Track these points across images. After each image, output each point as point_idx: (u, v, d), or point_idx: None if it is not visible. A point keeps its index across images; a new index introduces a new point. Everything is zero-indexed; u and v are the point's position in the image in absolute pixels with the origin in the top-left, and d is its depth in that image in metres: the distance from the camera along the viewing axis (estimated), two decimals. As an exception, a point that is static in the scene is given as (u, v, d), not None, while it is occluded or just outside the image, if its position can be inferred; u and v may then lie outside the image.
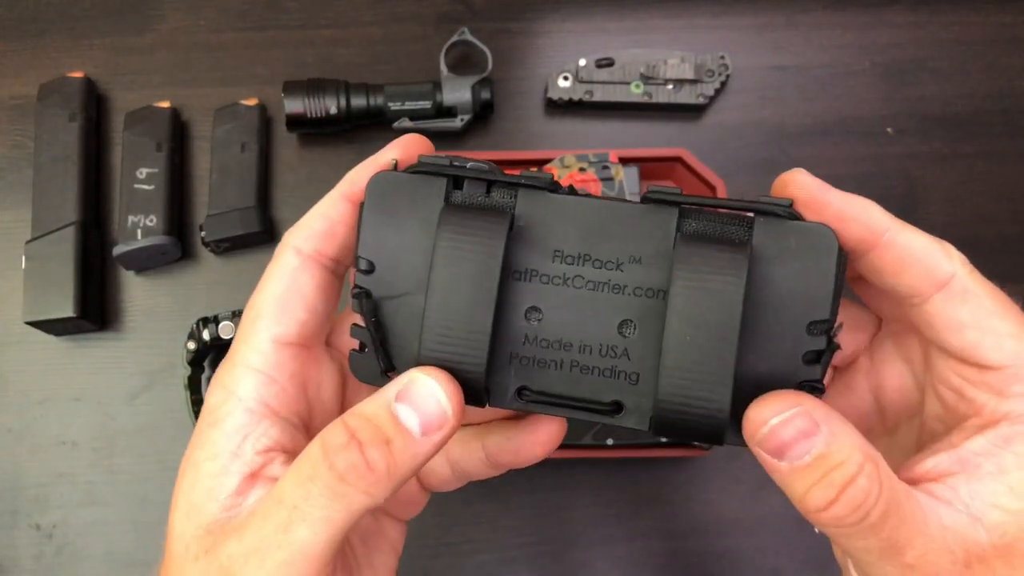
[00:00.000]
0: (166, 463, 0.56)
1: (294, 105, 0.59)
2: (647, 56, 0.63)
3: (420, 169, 0.26)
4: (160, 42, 0.64)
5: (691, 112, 0.63)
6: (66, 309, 0.55)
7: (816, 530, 0.25)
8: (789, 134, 0.63)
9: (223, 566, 0.23)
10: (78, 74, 0.61)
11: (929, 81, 0.65)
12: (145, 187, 0.58)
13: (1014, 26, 0.66)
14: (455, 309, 0.24)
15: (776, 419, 0.23)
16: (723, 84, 0.63)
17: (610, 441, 0.53)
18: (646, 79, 0.62)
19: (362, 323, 0.26)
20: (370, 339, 0.25)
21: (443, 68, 0.61)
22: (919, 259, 0.25)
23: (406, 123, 0.60)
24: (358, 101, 0.60)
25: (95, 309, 0.57)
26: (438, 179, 0.25)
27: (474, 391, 0.24)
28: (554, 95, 0.62)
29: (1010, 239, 0.61)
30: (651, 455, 0.54)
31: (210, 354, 0.55)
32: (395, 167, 0.26)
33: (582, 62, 0.62)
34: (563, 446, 0.50)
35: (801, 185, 0.26)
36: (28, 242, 0.56)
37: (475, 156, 0.27)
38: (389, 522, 0.31)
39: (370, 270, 0.25)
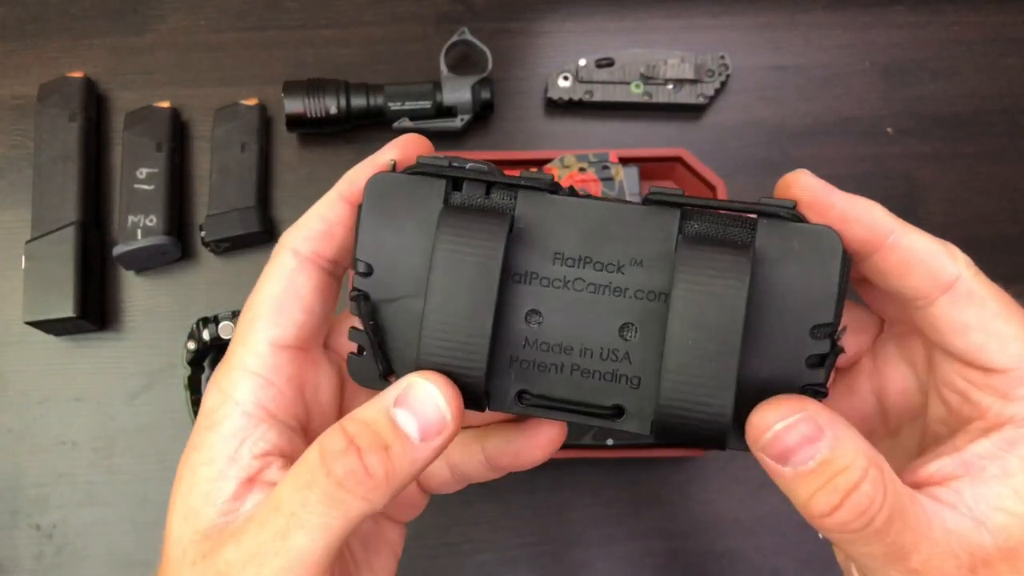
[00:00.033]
0: (166, 463, 0.56)
1: (294, 105, 0.59)
2: (647, 56, 0.63)
3: (419, 170, 0.25)
4: (160, 42, 0.64)
5: (691, 112, 0.63)
6: (66, 309, 0.55)
7: (820, 536, 0.25)
8: (789, 134, 0.63)
9: (220, 572, 0.23)
10: (78, 74, 0.61)
11: (929, 81, 0.65)
12: (145, 187, 0.58)
13: (1014, 26, 0.66)
14: (454, 312, 0.23)
15: (780, 424, 0.22)
16: (723, 84, 0.63)
17: (610, 441, 0.53)
18: (646, 79, 0.62)
19: (360, 326, 0.25)
20: (368, 342, 0.25)
21: (443, 68, 0.61)
22: (924, 261, 0.25)
23: (406, 123, 0.60)
24: (358, 101, 0.60)
25: (95, 309, 0.57)
26: (437, 180, 0.25)
27: (474, 395, 0.24)
28: (554, 95, 0.62)
29: (1010, 239, 0.61)
30: (651, 455, 0.54)
31: (210, 354, 0.55)
32: (393, 168, 0.26)
33: (582, 62, 0.62)
34: (563, 446, 0.50)
35: (805, 186, 0.25)
36: (28, 242, 0.56)
37: (475, 156, 0.26)
38: (388, 524, 0.31)
39: (368, 272, 0.25)
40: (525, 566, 0.55)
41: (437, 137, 0.61)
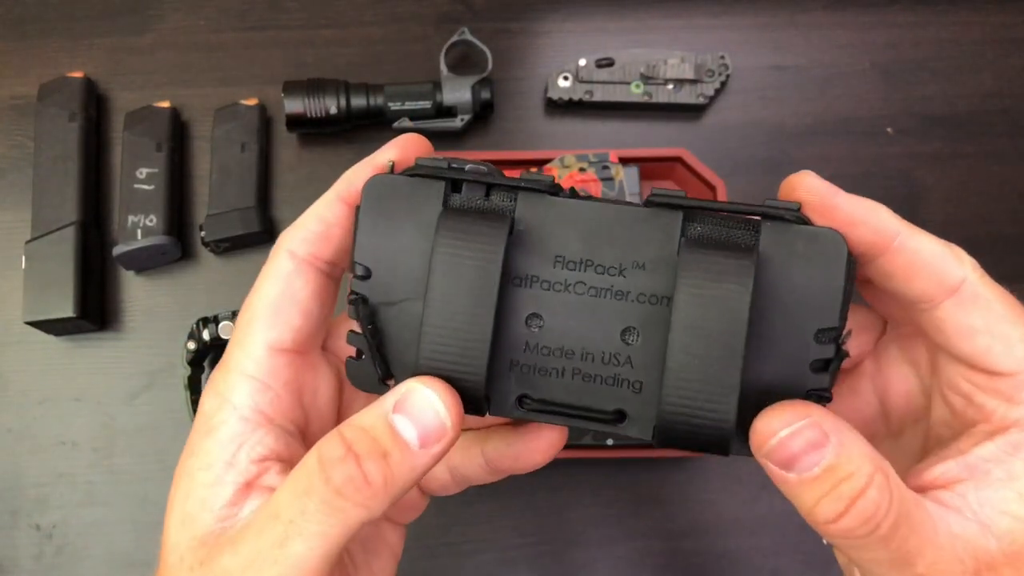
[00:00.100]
0: (166, 463, 0.56)
1: (294, 105, 0.59)
2: (647, 56, 0.63)
3: (417, 172, 0.25)
4: (160, 42, 0.64)
5: (691, 112, 0.63)
6: (66, 309, 0.55)
7: (824, 541, 0.25)
8: (789, 134, 0.63)
9: None
10: (78, 74, 0.61)
11: (929, 81, 0.65)
12: (145, 187, 0.58)
13: (1014, 26, 0.66)
14: (454, 317, 0.23)
15: (785, 431, 0.22)
16: (723, 84, 0.63)
17: (610, 441, 0.53)
18: (646, 79, 0.62)
19: (359, 330, 0.25)
20: (367, 346, 0.25)
21: (443, 68, 0.61)
22: (929, 264, 0.25)
23: (406, 123, 0.60)
24: (358, 101, 0.60)
25: (95, 309, 0.57)
26: (436, 182, 0.25)
27: (474, 400, 0.24)
28: (554, 95, 0.62)
29: (1010, 239, 0.61)
30: (651, 455, 0.54)
31: (210, 354, 0.55)
32: (392, 169, 0.26)
33: (582, 62, 0.62)
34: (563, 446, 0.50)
35: (809, 188, 0.25)
36: (28, 242, 0.56)
37: (475, 156, 0.26)
38: (388, 526, 0.30)
39: (367, 276, 0.25)
40: (525, 566, 0.55)
41: (437, 137, 0.61)
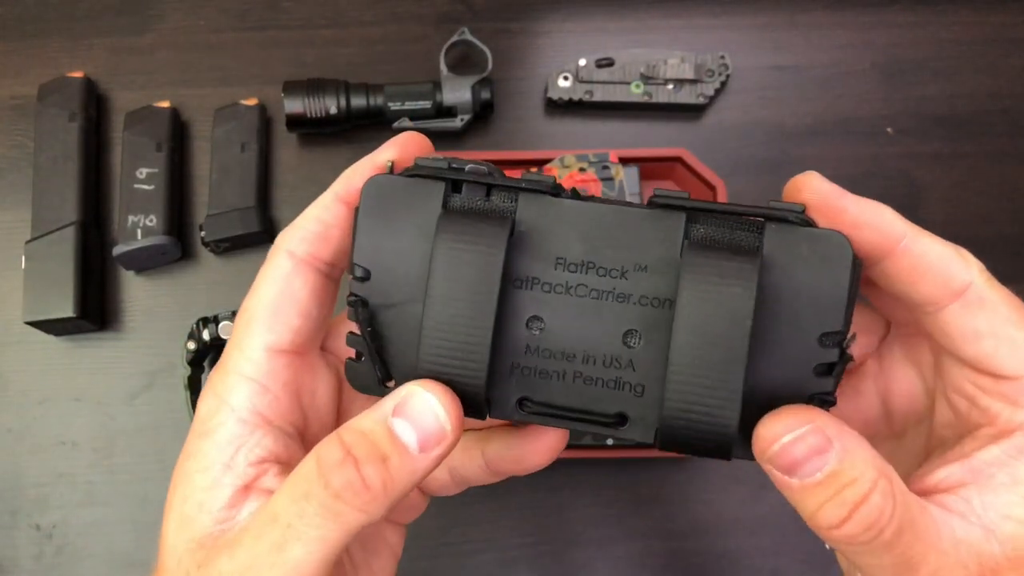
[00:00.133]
0: (166, 463, 0.56)
1: (294, 105, 0.59)
2: (647, 56, 0.63)
3: (417, 172, 0.25)
4: (160, 42, 0.64)
5: (691, 112, 0.63)
6: (66, 309, 0.55)
7: (827, 546, 0.25)
8: (789, 134, 0.63)
9: None
10: (78, 74, 0.61)
11: (929, 81, 0.65)
12: (145, 187, 0.58)
13: (1014, 26, 0.66)
14: (454, 320, 0.23)
15: (788, 436, 0.22)
16: (723, 84, 0.63)
17: (610, 441, 0.53)
18: (646, 79, 0.62)
19: (358, 331, 0.25)
20: (366, 349, 0.25)
21: (443, 68, 0.61)
22: (936, 267, 0.24)
23: (406, 123, 0.60)
24: (358, 101, 0.60)
25: (95, 309, 0.57)
26: (436, 183, 0.24)
27: (474, 403, 0.24)
28: (554, 95, 0.62)
29: (1010, 239, 0.61)
30: (651, 455, 0.54)
31: (210, 354, 0.55)
32: (391, 169, 0.25)
33: (582, 62, 0.62)
34: (563, 446, 0.50)
35: (815, 190, 0.25)
36: (28, 242, 0.56)
37: (475, 156, 0.26)
38: (388, 526, 0.30)
39: (366, 277, 0.25)
40: (525, 566, 0.55)
41: (437, 137, 0.61)
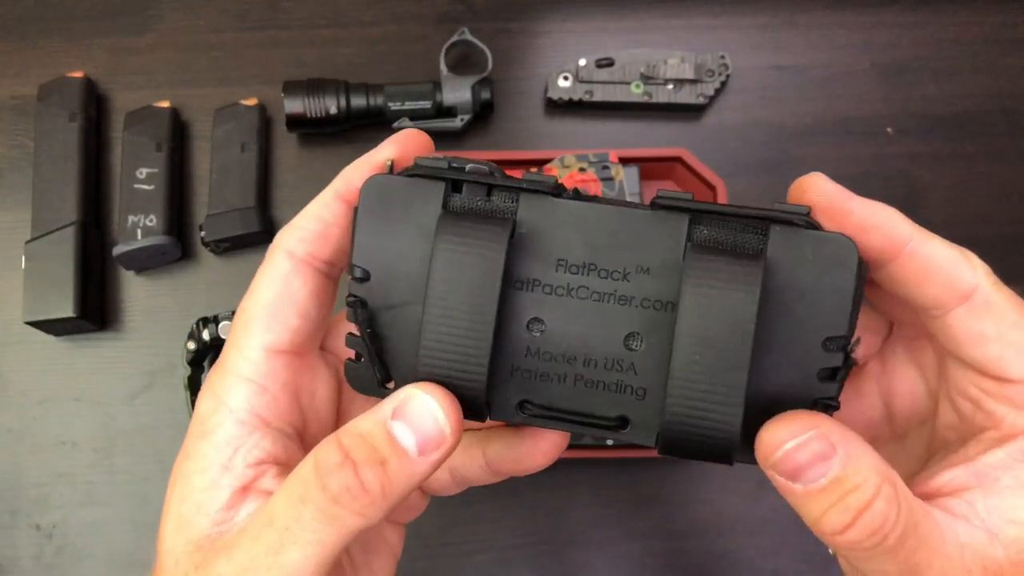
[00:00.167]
0: (166, 463, 0.55)
1: (294, 105, 0.59)
2: (647, 56, 0.63)
3: (417, 172, 0.24)
4: (160, 42, 0.64)
5: (691, 112, 0.63)
6: (66, 309, 0.55)
7: (830, 551, 0.24)
8: (789, 134, 0.63)
9: None
10: (78, 74, 0.61)
11: (929, 81, 0.65)
12: (145, 187, 0.58)
13: (1014, 26, 0.66)
14: (454, 322, 0.23)
15: (791, 443, 0.22)
16: (723, 84, 0.63)
17: (610, 441, 0.53)
18: (646, 79, 0.62)
19: (357, 332, 0.25)
20: (366, 350, 0.24)
21: (443, 68, 0.61)
22: (942, 270, 0.24)
23: (406, 123, 0.60)
24: (358, 101, 0.60)
25: (95, 309, 0.57)
26: (436, 182, 0.24)
27: (474, 406, 0.24)
28: (554, 95, 0.62)
29: (1010, 239, 0.61)
30: (651, 455, 0.54)
31: (210, 354, 0.55)
32: (391, 168, 0.25)
33: (582, 62, 0.62)
34: (563, 446, 0.50)
35: (820, 191, 0.24)
36: (28, 242, 0.56)
37: (475, 156, 0.26)
38: (388, 526, 0.30)
39: (365, 278, 0.24)
40: (525, 566, 0.55)
41: (437, 137, 0.61)
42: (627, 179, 0.57)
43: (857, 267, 0.23)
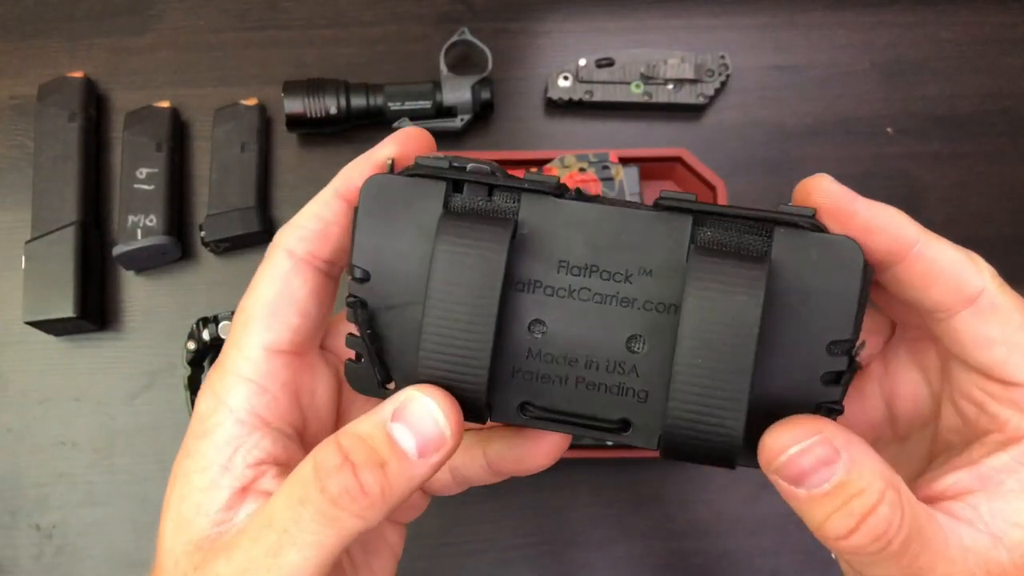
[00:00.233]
0: (166, 463, 0.55)
1: (294, 105, 0.59)
2: (647, 56, 0.63)
3: (417, 172, 0.24)
4: (160, 42, 0.64)
5: (691, 112, 0.63)
6: (66, 309, 0.55)
7: (833, 555, 0.24)
8: (789, 134, 0.63)
9: None
10: (78, 74, 0.61)
11: (929, 81, 0.65)
12: (145, 187, 0.58)
13: (1014, 26, 0.66)
14: (454, 323, 0.23)
15: (795, 448, 0.22)
16: (723, 84, 0.63)
17: (610, 442, 0.53)
18: (646, 79, 0.62)
19: (357, 333, 0.24)
20: (366, 351, 0.24)
21: (443, 68, 0.61)
22: (948, 273, 0.24)
23: (406, 123, 0.60)
24: (358, 101, 0.60)
25: (95, 309, 0.57)
26: (436, 182, 0.24)
27: (474, 408, 0.23)
28: (554, 95, 0.62)
29: (1010, 239, 0.61)
30: (651, 455, 0.54)
31: (210, 354, 0.55)
32: (391, 167, 0.25)
33: (582, 62, 0.62)
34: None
35: (826, 193, 0.24)
36: (28, 242, 0.56)
37: (476, 156, 0.26)
38: (388, 525, 0.30)
39: (365, 279, 0.24)
40: (525, 566, 0.55)
41: (437, 137, 0.60)
42: (627, 179, 0.57)
43: (862, 270, 0.23)
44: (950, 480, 0.24)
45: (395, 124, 0.60)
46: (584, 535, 0.56)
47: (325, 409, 0.28)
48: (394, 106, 0.60)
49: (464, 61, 0.64)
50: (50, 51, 0.64)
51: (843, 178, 0.25)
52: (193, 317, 0.55)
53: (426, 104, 0.60)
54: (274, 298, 0.25)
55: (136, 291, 0.59)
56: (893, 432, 0.29)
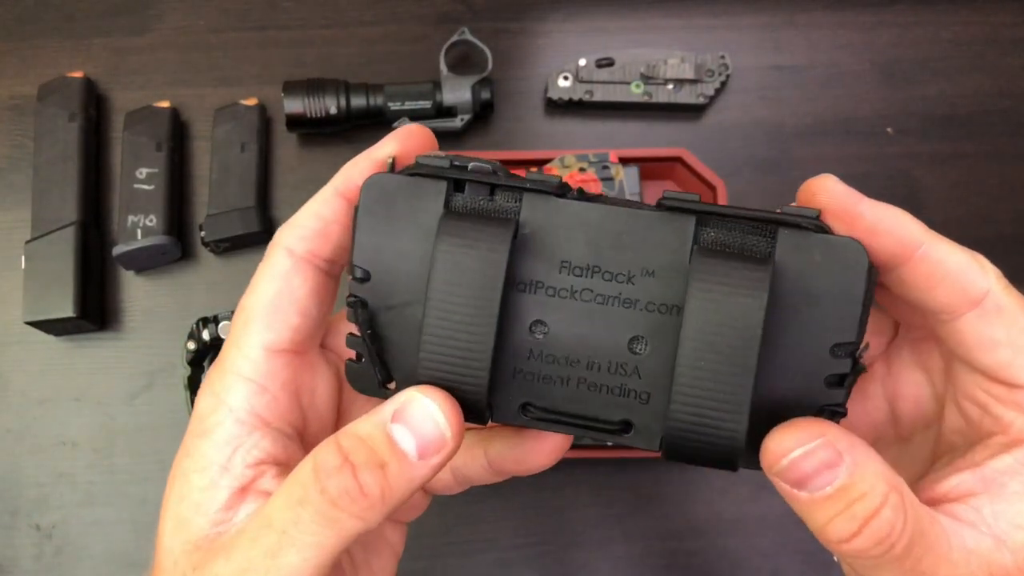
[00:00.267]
0: (166, 463, 0.55)
1: (294, 105, 0.59)
2: (647, 56, 0.63)
3: (418, 171, 0.24)
4: (160, 42, 0.64)
5: (691, 112, 0.63)
6: (66, 309, 0.55)
7: (835, 558, 0.24)
8: (789, 134, 0.63)
9: None
10: (78, 74, 0.61)
11: (929, 81, 0.65)
12: (145, 187, 0.58)
13: (1014, 26, 0.66)
14: (455, 324, 0.22)
15: (798, 451, 0.22)
16: (723, 84, 0.63)
17: (610, 442, 0.53)
18: (646, 79, 0.62)
19: (358, 333, 0.24)
20: (366, 351, 0.24)
21: (443, 68, 0.61)
22: (953, 275, 0.24)
23: (406, 123, 0.60)
24: (358, 101, 0.60)
25: (95, 309, 0.57)
26: (437, 182, 0.24)
27: (475, 408, 0.23)
28: (554, 95, 0.62)
29: (1010, 239, 0.61)
30: (651, 455, 0.54)
31: (210, 354, 0.55)
32: (392, 166, 0.25)
33: (582, 62, 0.62)
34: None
35: (831, 194, 0.24)
36: (28, 242, 0.56)
37: (477, 155, 0.25)
38: (389, 524, 0.30)
39: (366, 278, 0.24)
40: (525, 566, 0.55)
41: (437, 137, 0.61)
42: (627, 179, 0.57)
43: (867, 272, 0.22)
44: (953, 482, 0.24)
45: (395, 124, 0.60)
46: (584, 535, 0.56)
47: (325, 408, 0.28)
48: (394, 106, 0.60)
49: (464, 61, 0.64)
50: (50, 51, 0.64)
51: (843, 178, 0.25)
52: (193, 317, 0.55)
53: (426, 104, 0.60)
54: (274, 297, 0.25)
55: (136, 291, 0.59)
56: (895, 433, 0.29)
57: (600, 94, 0.62)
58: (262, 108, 0.61)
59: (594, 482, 0.56)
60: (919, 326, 0.28)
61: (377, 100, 0.60)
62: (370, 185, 0.24)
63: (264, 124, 0.61)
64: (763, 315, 0.21)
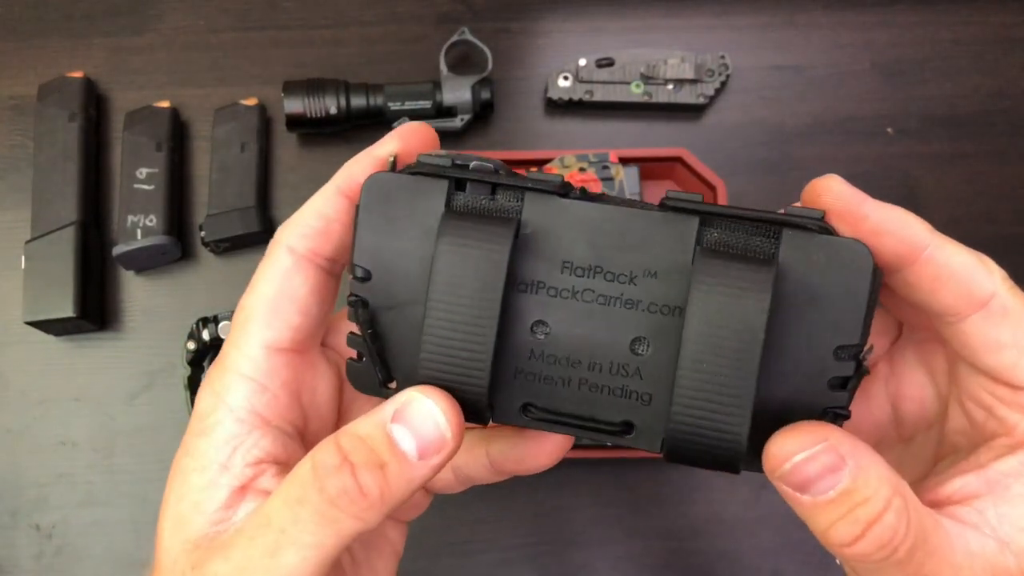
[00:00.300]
0: (166, 463, 0.55)
1: (294, 105, 0.59)
2: (647, 56, 0.63)
3: (419, 170, 0.24)
4: (160, 42, 0.64)
5: (691, 112, 0.63)
6: (66, 309, 0.55)
7: (837, 561, 0.24)
8: (789, 134, 0.63)
9: None
10: (78, 74, 0.61)
11: (929, 81, 0.65)
12: (145, 187, 0.58)
13: (1014, 26, 0.66)
14: (456, 324, 0.22)
15: (800, 455, 0.21)
16: (723, 84, 0.63)
17: (611, 443, 0.53)
18: (646, 79, 0.62)
19: (359, 332, 0.24)
20: (367, 350, 0.24)
21: (443, 68, 0.61)
22: (958, 277, 0.23)
23: (406, 122, 0.60)
24: (358, 101, 0.60)
25: (95, 309, 0.57)
26: (439, 181, 0.24)
27: (476, 409, 0.23)
28: (554, 95, 0.62)
29: (1011, 239, 0.61)
30: (651, 455, 0.54)
31: (210, 354, 0.55)
32: (393, 165, 0.25)
33: (582, 62, 0.62)
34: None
35: (836, 195, 0.24)
36: (28, 242, 0.56)
37: (478, 154, 0.25)
38: (390, 524, 0.30)
39: (367, 278, 0.24)
40: (525, 566, 0.55)
41: (437, 137, 0.61)
42: (627, 179, 0.57)
43: (872, 274, 0.22)
44: (957, 484, 0.24)
45: (395, 124, 0.60)
46: (584, 535, 0.56)
47: (326, 407, 0.28)
48: (394, 106, 0.60)
49: (464, 61, 0.64)
50: (50, 51, 0.64)
51: (844, 178, 0.25)
52: (193, 317, 0.55)
53: (426, 104, 0.60)
54: (275, 296, 0.25)
55: (136, 291, 0.59)
56: (898, 433, 0.29)
57: (600, 94, 0.62)
58: (262, 108, 0.61)
59: (594, 482, 0.56)
60: (923, 327, 0.28)
61: (377, 100, 0.60)
62: (371, 184, 0.24)
63: (264, 124, 0.61)
64: (766, 317, 0.21)
